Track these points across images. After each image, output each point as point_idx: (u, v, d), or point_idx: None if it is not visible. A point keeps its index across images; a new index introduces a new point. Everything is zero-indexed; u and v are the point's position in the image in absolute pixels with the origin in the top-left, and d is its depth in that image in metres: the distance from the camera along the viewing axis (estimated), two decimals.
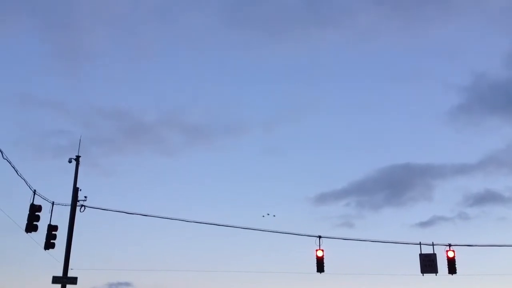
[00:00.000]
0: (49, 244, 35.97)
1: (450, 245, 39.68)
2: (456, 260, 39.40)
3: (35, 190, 34.64)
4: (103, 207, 37.85)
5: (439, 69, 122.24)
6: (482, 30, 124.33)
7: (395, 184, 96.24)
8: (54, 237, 36.17)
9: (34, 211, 34.27)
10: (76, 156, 38.05)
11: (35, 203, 34.53)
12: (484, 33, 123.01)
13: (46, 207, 35.50)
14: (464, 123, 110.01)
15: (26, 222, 34.14)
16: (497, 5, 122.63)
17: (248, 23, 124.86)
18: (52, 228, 36.19)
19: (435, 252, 40.37)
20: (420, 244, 40.65)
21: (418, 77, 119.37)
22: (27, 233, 34.32)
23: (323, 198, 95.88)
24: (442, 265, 39.90)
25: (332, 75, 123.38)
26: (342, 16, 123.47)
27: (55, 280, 35.49)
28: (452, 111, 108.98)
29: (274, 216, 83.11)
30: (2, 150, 27.76)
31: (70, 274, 36.05)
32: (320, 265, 39.68)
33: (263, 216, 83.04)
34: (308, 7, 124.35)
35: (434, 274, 40.15)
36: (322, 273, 39.69)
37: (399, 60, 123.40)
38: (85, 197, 37.32)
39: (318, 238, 39.92)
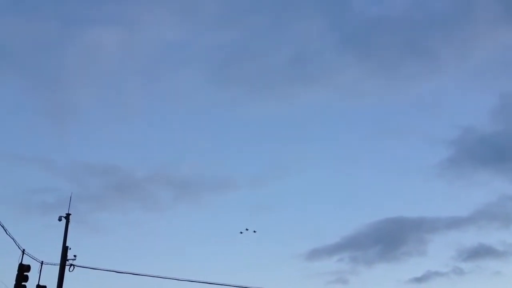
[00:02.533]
0: None
1: None
2: None
3: (23, 250, 34.12)
4: (93, 266, 37.23)
5: (426, 124, 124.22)
6: (466, 84, 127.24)
7: (388, 239, 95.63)
8: None
9: (22, 271, 33.60)
10: (66, 214, 37.66)
11: (23, 262, 33.94)
12: (468, 88, 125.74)
13: (34, 267, 34.90)
14: (454, 176, 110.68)
15: (14, 282, 33.42)
16: (480, 59, 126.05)
17: (234, 81, 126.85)
18: None
19: None
20: None
21: (406, 131, 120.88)
22: None
23: (315, 254, 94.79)
24: None
25: (319, 131, 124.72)
26: (327, 73, 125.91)
27: None
28: (442, 165, 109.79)
29: (254, 232, 78.94)
30: None
31: None
32: None
33: (241, 232, 78.90)
34: (293, 65, 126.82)
35: None
36: None
37: (386, 116, 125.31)
38: (75, 256, 36.72)
39: None
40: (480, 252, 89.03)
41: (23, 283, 33.46)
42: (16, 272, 33.66)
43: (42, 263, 36.21)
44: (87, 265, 37.12)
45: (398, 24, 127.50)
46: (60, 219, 37.29)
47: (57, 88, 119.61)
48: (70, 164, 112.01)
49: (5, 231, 30.88)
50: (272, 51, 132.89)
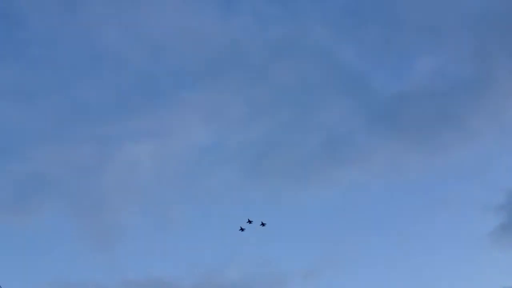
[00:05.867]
0: None
1: None
2: None
3: None
4: None
5: (470, 191, 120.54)
6: (502, 146, 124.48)
7: None
8: None
9: None
10: None
11: None
12: (505, 149, 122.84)
13: None
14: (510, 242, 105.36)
15: None
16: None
17: (269, 174, 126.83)
18: None
19: None
20: None
21: (451, 201, 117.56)
22: None
23: None
24: None
25: (363, 212, 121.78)
26: (360, 153, 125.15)
27: None
28: (495, 232, 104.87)
29: (263, 225, 66.65)
30: None
31: None
32: None
33: (242, 229, 65.82)
34: (325, 150, 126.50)
35: None
36: None
37: (428, 188, 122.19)
38: None
39: None
40: None
41: None
42: None
43: None
44: None
45: (422, 96, 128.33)
46: None
47: (98, 209, 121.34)
48: (117, 284, 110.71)
49: None
50: (303, 139, 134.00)
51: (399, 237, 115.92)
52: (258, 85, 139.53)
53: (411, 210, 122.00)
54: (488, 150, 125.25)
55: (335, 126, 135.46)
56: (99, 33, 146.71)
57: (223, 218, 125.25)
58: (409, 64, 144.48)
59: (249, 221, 67.94)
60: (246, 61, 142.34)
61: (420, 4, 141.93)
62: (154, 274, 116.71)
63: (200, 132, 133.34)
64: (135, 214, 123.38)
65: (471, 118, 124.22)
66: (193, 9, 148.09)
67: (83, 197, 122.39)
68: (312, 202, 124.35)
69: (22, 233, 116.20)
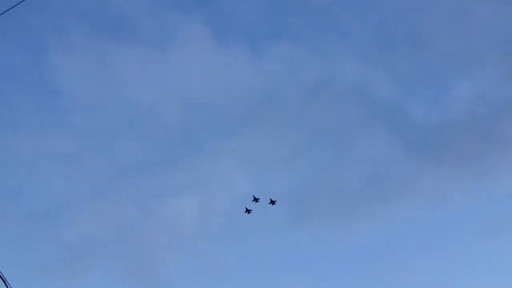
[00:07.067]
0: None
1: None
2: None
3: None
4: None
5: None
6: None
7: None
8: None
9: None
10: None
11: None
12: None
13: None
14: None
15: None
16: None
17: (314, 215, 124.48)
18: None
19: None
20: None
21: (503, 227, 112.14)
22: None
23: None
24: None
25: (414, 248, 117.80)
26: (404, 186, 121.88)
27: None
28: None
29: (272, 203, 64.42)
30: None
31: None
32: None
33: (249, 211, 64.30)
34: (368, 185, 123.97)
35: None
36: None
37: (479, 214, 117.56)
38: None
39: None
40: None
41: None
42: None
43: None
44: None
45: (463, 122, 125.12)
46: None
47: (146, 265, 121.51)
48: None
49: None
50: (345, 177, 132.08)
51: (451, 269, 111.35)
52: (295, 127, 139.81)
53: (461, 240, 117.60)
54: None
55: (376, 161, 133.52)
56: (133, 94, 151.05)
57: (270, 264, 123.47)
58: (447, 90, 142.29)
59: (255, 199, 67.31)
60: (281, 104, 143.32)
61: (451, 28, 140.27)
62: None
63: (242, 180, 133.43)
64: (183, 268, 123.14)
65: None
66: (223, 58, 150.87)
67: (131, 255, 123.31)
68: (359, 240, 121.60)
69: None
